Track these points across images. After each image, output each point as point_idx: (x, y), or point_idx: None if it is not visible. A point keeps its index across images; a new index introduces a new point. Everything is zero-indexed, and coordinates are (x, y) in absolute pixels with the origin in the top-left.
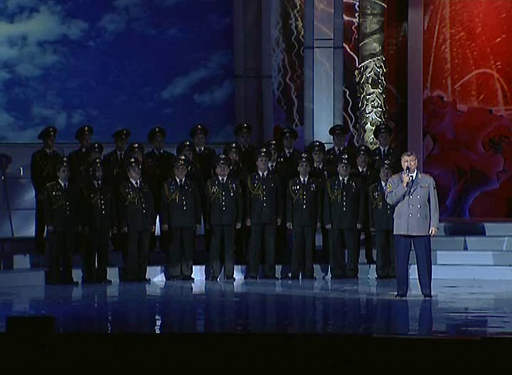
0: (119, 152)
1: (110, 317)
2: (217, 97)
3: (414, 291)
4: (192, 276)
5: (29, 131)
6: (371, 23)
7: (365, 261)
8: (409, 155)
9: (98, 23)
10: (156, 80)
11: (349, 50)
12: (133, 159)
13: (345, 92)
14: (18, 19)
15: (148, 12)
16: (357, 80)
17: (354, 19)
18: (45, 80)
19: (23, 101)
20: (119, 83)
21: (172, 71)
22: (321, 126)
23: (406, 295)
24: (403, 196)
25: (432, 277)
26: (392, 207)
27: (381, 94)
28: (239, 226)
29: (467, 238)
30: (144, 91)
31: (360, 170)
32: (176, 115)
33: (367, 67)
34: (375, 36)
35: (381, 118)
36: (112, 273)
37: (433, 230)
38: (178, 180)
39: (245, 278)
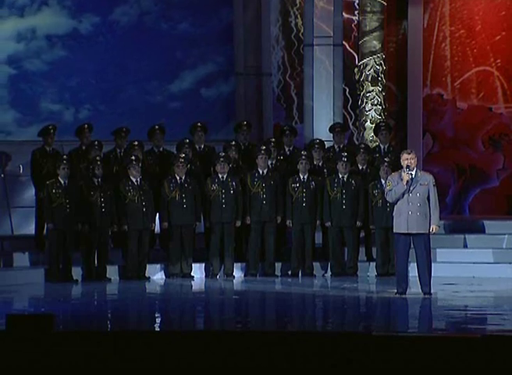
0: (118, 150)
1: (110, 315)
2: (222, 92)
3: (414, 288)
4: (192, 273)
5: (35, 127)
6: (371, 21)
7: (365, 259)
8: (409, 153)
9: (110, 16)
10: (164, 74)
11: (348, 48)
12: (133, 157)
13: (345, 90)
14: (28, 12)
15: (160, 5)
16: (356, 77)
17: (354, 17)
18: (53, 75)
19: (30, 97)
20: (126, 78)
21: (182, 65)
22: (321, 123)
23: (405, 293)
24: (403, 194)
25: (432, 275)
26: (392, 205)
27: (380, 91)
28: (239, 224)
29: (466, 236)
30: (152, 85)
31: (360, 168)
32: (183, 109)
33: (366, 65)
34: (375, 34)
35: (380, 116)
36: (112, 271)
37: (434, 227)
38: (178, 178)
39: (245, 276)
